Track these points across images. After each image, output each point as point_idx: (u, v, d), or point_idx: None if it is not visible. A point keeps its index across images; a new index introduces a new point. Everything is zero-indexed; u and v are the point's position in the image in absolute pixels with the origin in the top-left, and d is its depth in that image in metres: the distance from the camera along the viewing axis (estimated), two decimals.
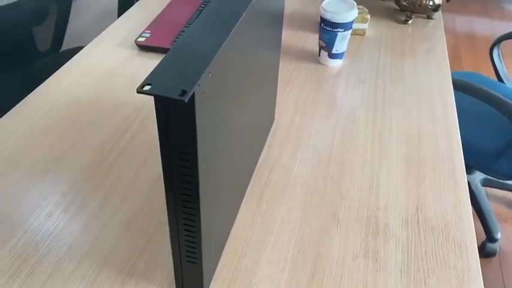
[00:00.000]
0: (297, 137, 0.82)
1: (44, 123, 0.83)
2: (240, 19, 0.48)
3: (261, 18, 0.59)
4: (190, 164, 0.43)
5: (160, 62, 0.40)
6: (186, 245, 0.51)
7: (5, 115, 0.84)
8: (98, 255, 0.62)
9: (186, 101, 0.35)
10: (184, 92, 0.36)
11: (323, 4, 0.94)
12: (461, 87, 1.25)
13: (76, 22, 1.70)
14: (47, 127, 0.82)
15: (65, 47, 1.64)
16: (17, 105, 0.87)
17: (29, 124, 0.82)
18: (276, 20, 0.69)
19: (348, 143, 0.81)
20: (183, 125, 0.40)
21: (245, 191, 0.70)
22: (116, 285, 0.58)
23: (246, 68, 0.55)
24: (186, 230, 0.49)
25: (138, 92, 0.36)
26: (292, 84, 0.95)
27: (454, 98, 0.93)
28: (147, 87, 0.36)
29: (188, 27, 1.11)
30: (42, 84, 0.92)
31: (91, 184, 0.72)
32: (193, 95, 0.37)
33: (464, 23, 3.06)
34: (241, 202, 0.69)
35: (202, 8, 1.18)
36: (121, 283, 0.59)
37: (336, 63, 1.01)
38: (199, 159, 0.42)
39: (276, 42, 0.72)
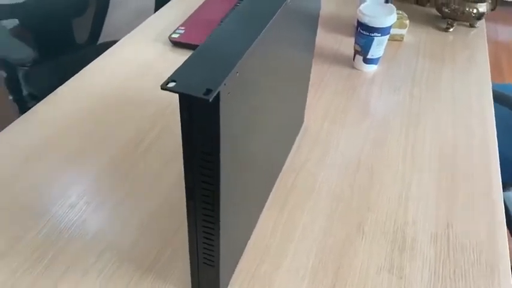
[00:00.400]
0: (325, 142, 0.80)
1: (73, 115, 0.84)
2: (273, 19, 0.46)
3: (295, 19, 0.57)
4: (212, 165, 0.41)
5: (187, 60, 0.39)
6: (204, 247, 0.50)
7: (36, 105, 0.86)
8: (118, 249, 0.61)
9: (210, 100, 0.34)
10: (209, 91, 0.35)
11: (361, 7, 0.92)
12: (501, 99, 1.20)
13: (114, 16, 1.73)
14: (76, 119, 0.83)
15: (101, 40, 1.67)
16: (48, 96, 0.88)
17: (58, 115, 0.83)
18: (310, 21, 0.67)
19: (378, 152, 0.78)
20: (207, 124, 0.39)
21: (268, 194, 0.69)
22: (133, 280, 0.58)
23: (276, 69, 0.54)
24: (205, 232, 0.48)
25: (163, 88, 0.35)
26: (324, 87, 0.93)
27: (493, 110, 0.89)
28: (171, 84, 0.35)
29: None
30: (74, 76, 0.93)
31: (116, 178, 0.72)
32: (218, 94, 0.36)
33: (507, 33, 2.94)
34: (263, 206, 0.67)
35: (237, 6, 1.17)
36: (138, 279, 0.58)
37: (371, 68, 0.98)
38: (222, 161, 0.41)
39: (309, 44, 0.71)
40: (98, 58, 0.99)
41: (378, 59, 0.97)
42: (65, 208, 0.67)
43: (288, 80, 0.62)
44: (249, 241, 0.63)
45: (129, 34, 1.09)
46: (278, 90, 0.57)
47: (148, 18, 1.17)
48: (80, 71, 0.95)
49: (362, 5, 0.92)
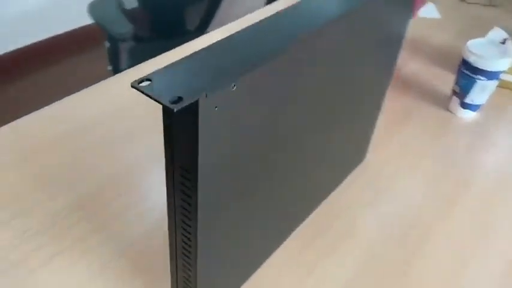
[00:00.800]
0: (384, 185, 0.69)
1: (131, 97, 0.83)
2: (318, 25, 0.39)
3: (362, 34, 0.48)
4: (190, 183, 0.36)
5: (185, 57, 0.33)
6: (183, 270, 0.44)
7: (104, 80, 0.87)
8: (121, 245, 0.59)
9: (175, 110, 0.28)
10: (179, 99, 0.29)
11: (468, 43, 0.78)
12: None
13: (227, 8, 1.74)
14: (133, 101, 0.82)
15: (209, 30, 1.70)
16: (117, 74, 0.89)
17: (119, 95, 0.84)
18: (389, 42, 0.57)
19: (443, 214, 0.65)
20: (185, 139, 0.33)
21: (289, 231, 0.60)
22: (123, 278, 0.55)
23: (319, 91, 0.46)
24: (184, 254, 0.42)
25: (132, 86, 0.30)
26: (405, 123, 0.81)
27: None
28: (144, 83, 0.30)
29: None
30: (148, 61, 0.93)
31: (148, 173, 0.69)
32: (196, 106, 0.30)
33: None
34: (278, 244, 0.59)
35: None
36: (128, 278, 0.55)
37: (467, 114, 0.84)
38: (200, 184, 0.35)
39: (384, 69, 0.61)
40: (181, 46, 0.99)
41: (478, 105, 0.82)
42: (94, 184, 0.66)
43: (343, 106, 0.53)
44: (252, 277, 0.56)
45: (219, 28, 1.07)
46: (324, 116, 0.49)
47: (247, 16, 1.15)
48: (159, 56, 0.95)
49: (471, 41, 0.79)
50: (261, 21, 0.39)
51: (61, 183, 0.65)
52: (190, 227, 0.39)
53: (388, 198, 0.67)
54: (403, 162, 0.73)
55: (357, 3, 0.43)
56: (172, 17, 1.65)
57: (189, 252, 0.41)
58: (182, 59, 0.34)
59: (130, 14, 1.43)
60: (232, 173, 0.38)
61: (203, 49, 0.35)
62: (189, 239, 0.40)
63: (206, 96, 0.30)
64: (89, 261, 0.56)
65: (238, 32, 0.38)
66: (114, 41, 1.32)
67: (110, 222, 0.61)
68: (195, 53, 0.35)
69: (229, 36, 0.38)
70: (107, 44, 1.35)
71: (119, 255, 0.57)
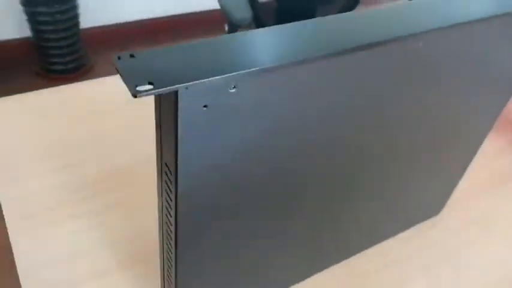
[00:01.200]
0: (452, 252, 0.57)
1: None
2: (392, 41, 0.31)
3: (459, 59, 0.39)
4: (172, 186, 0.31)
5: (204, 40, 0.29)
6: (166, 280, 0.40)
7: None
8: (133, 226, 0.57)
9: (137, 96, 0.24)
10: (149, 85, 0.24)
11: None
12: None
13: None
14: None
15: None
16: None
17: None
18: (499, 78, 0.46)
19: None
20: (168, 134, 0.29)
21: (313, 271, 0.52)
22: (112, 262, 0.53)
23: (383, 114, 0.38)
24: (168, 264, 0.38)
25: (113, 61, 0.26)
26: (505, 183, 0.67)
27: None
28: (124, 59, 0.26)
29: None
30: None
31: None
32: (175, 99, 0.25)
33: None
34: (297, 279, 0.51)
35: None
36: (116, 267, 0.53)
37: None
38: (180, 192, 0.30)
39: (485, 109, 0.49)
40: None
41: None
42: (135, 158, 0.65)
43: (412, 143, 0.44)
44: None
45: None
46: (379, 149, 0.41)
47: None
48: None
49: None
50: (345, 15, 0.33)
51: (110, 148, 0.66)
52: (172, 232, 0.34)
53: (449, 268, 0.55)
54: (485, 230, 0.60)
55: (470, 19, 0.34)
56: (301, 14, 1.61)
57: (171, 266, 0.36)
58: (199, 41, 0.29)
59: (257, 4, 1.43)
60: (227, 190, 0.33)
61: (238, 34, 0.30)
62: (170, 244, 0.35)
63: (187, 88, 0.25)
64: (101, 233, 0.55)
65: (291, 24, 0.32)
66: (233, 26, 1.33)
67: (136, 200, 0.59)
68: (220, 37, 0.29)
69: (279, 26, 0.32)
70: (226, 28, 1.37)
71: (133, 236, 0.56)
